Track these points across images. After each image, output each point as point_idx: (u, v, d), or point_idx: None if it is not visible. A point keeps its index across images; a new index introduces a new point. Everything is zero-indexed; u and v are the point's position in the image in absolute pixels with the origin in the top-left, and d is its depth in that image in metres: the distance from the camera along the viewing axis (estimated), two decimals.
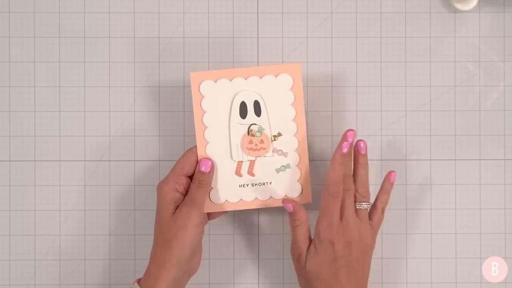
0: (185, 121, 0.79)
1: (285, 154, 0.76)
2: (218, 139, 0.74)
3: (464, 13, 0.80)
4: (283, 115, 0.74)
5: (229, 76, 0.74)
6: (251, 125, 0.75)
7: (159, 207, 0.71)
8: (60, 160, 0.79)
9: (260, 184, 0.75)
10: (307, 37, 0.80)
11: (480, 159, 0.80)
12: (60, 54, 0.80)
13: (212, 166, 0.72)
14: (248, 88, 0.75)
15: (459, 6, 0.78)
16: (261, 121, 0.74)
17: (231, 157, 0.75)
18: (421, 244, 0.79)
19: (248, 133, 0.75)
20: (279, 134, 0.75)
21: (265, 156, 0.75)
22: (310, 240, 0.72)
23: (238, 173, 0.75)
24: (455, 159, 0.80)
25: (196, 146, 0.73)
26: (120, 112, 0.79)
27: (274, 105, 0.74)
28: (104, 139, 0.80)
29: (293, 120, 0.74)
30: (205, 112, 0.74)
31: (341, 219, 0.70)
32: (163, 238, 0.69)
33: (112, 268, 0.79)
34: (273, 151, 0.75)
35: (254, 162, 0.75)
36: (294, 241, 0.72)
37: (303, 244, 0.71)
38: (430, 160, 0.80)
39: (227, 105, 0.75)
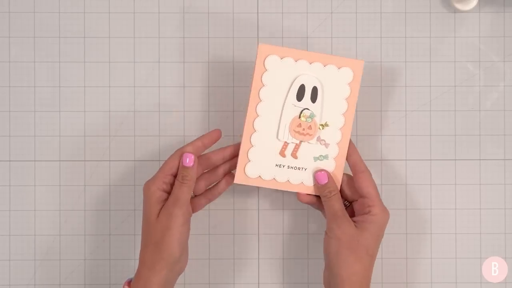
0: (185, 121, 0.79)
1: (326, 145, 0.75)
2: (269, 115, 0.74)
3: (464, 13, 0.80)
4: (335, 107, 0.74)
5: (296, 57, 0.74)
6: (304, 109, 0.75)
7: (145, 208, 0.70)
8: (60, 160, 0.79)
9: (296, 168, 0.75)
10: (307, 37, 0.80)
11: (480, 159, 0.80)
12: (60, 54, 0.80)
13: (195, 161, 0.71)
14: (310, 73, 0.75)
15: (459, 6, 0.78)
16: (314, 107, 0.75)
17: (277, 136, 0.75)
18: (421, 244, 0.79)
19: (300, 117, 0.75)
20: (327, 125, 0.75)
21: (309, 143, 0.75)
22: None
23: (282, 153, 0.75)
24: (455, 159, 0.80)
25: (185, 146, 0.72)
26: (120, 112, 0.79)
27: (330, 95, 0.74)
28: (104, 139, 0.80)
29: (343, 114, 0.75)
30: (263, 85, 0.74)
31: None
32: (150, 240, 0.69)
33: (112, 268, 0.79)
34: (317, 139, 0.75)
35: (300, 145, 0.75)
36: (334, 209, 0.71)
37: (344, 210, 0.71)
38: (430, 160, 0.80)
39: (287, 84, 0.74)
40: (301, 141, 0.75)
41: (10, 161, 0.79)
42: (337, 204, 0.71)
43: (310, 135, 0.75)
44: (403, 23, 0.80)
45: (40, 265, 0.79)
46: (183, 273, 0.79)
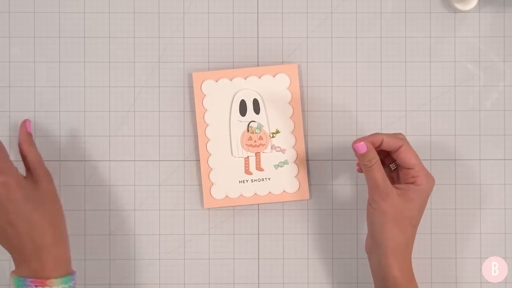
0: (185, 121, 0.79)
1: (283, 151, 0.78)
2: (219, 136, 0.77)
3: (464, 13, 0.80)
4: (281, 113, 0.77)
5: (230, 76, 0.77)
6: (250, 122, 0.77)
7: None
8: (60, 160, 0.79)
9: (259, 180, 0.78)
10: (307, 37, 0.80)
11: (480, 159, 0.80)
12: (60, 54, 0.80)
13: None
14: (248, 87, 0.77)
15: (459, 6, 0.78)
16: (260, 118, 0.78)
17: (232, 153, 0.77)
18: (421, 244, 0.79)
19: (248, 130, 0.78)
20: (277, 132, 0.78)
21: (264, 152, 0.77)
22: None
23: (247, 171, 0.78)
24: (455, 159, 0.80)
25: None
26: (120, 112, 0.79)
27: (272, 103, 0.77)
28: (104, 139, 0.80)
29: (290, 117, 0.78)
30: (206, 110, 0.77)
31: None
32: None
33: (112, 268, 0.79)
34: (271, 148, 0.78)
35: (260, 157, 0.77)
36: (376, 180, 0.69)
37: (385, 180, 0.69)
38: (430, 160, 0.80)
39: (227, 104, 0.78)
40: (259, 153, 0.77)
41: None
42: (379, 174, 0.69)
43: (263, 145, 0.78)
44: (403, 23, 0.80)
45: None
46: (183, 273, 0.79)
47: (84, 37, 0.80)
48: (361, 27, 0.80)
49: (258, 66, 0.79)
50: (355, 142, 0.70)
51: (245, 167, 0.78)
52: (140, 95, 0.80)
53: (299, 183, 0.78)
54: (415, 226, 0.71)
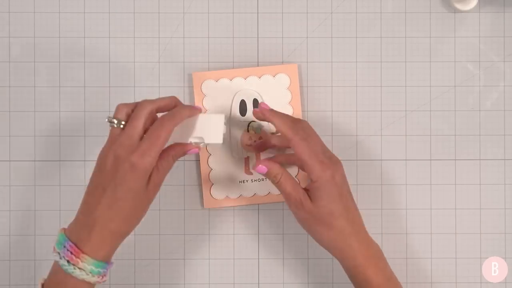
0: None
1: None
2: None
3: (464, 13, 0.80)
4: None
5: (230, 76, 0.77)
6: (250, 122, 0.77)
7: (132, 179, 0.65)
8: (60, 160, 0.79)
9: (259, 180, 0.78)
10: (307, 37, 0.80)
11: (480, 159, 0.80)
12: (60, 54, 0.80)
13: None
14: (248, 87, 0.77)
15: (459, 6, 0.78)
16: None
17: (231, 154, 0.77)
18: (421, 244, 0.79)
19: (248, 130, 0.77)
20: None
21: (264, 152, 0.77)
22: (300, 186, 0.69)
23: (247, 171, 0.78)
24: (455, 159, 0.80)
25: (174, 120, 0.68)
26: None
27: (273, 103, 0.77)
28: (104, 139, 0.79)
29: None
30: (206, 110, 0.77)
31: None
32: (125, 209, 0.66)
33: (112, 268, 0.79)
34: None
35: (260, 157, 0.77)
36: (287, 193, 0.69)
37: (296, 189, 0.68)
38: (430, 160, 0.80)
39: (227, 103, 0.77)
40: (259, 153, 0.77)
41: (10, 161, 0.79)
42: (288, 186, 0.69)
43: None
44: (403, 23, 0.80)
45: (40, 265, 0.79)
46: (183, 272, 0.79)
47: (84, 37, 0.80)
48: (361, 27, 0.80)
49: (258, 66, 0.79)
50: (254, 167, 0.70)
51: (245, 167, 0.78)
52: (140, 95, 0.80)
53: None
54: (340, 216, 0.68)
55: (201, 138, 0.69)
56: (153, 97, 0.79)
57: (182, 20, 0.80)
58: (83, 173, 0.79)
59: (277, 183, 0.69)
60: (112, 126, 0.67)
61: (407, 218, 0.80)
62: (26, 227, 0.79)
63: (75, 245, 0.64)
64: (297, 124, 0.69)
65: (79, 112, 0.79)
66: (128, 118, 0.67)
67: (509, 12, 0.80)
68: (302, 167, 0.72)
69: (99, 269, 0.65)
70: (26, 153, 0.79)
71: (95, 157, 0.80)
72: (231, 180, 0.78)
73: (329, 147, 0.80)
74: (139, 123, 0.65)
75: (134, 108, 0.67)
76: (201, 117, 0.69)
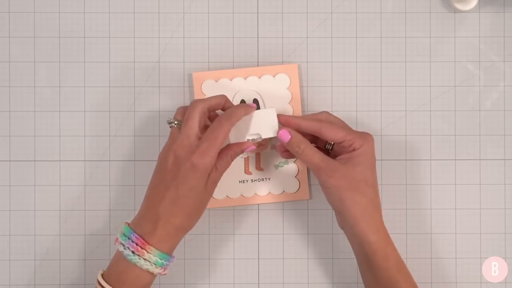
0: None
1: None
2: None
3: (464, 13, 0.80)
4: (281, 113, 0.75)
5: (230, 76, 0.77)
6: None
7: (193, 178, 0.68)
8: (60, 160, 0.79)
9: (259, 180, 0.78)
10: (307, 37, 0.80)
11: (480, 159, 0.80)
12: (60, 54, 0.80)
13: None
14: (248, 87, 0.77)
15: (459, 6, 0.78)
16: None
17: None
18: (421, 244, 0.79)
19: None
20: None
21: (264, 152, 0.77)
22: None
23: (247, 171, 0.78)
24: (455, 159, 0.80)
25: (230, 120, 0.70)
26: (120, 112, 0.79)
27: (273, 103, 0.77)
28: (104, 139, 0.80)
29: None
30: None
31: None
32: (188, 206, 0.69)
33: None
34: (271, 148, 0.78)
35: (260, 156, 0.77)
36: (314, 162, 0.69)
37: (324, 157, 0.69)
38: (430, 160, 0.80)
39: None
40: (259, 153, 0.77)
41: (10, 161, 0.79)
42: (315, 156, 0.70)
43: (263, 145, 0.78)
44: (403, 23, 0.80)
45: (40, 265, 0.79)
46: (183, 272, 0.79)
47: (84, 37, 0.80)
48: (361, 27, 0.80)
49: (258, 66, 0.79)
50: (279, 133, 0.70)
51: (245, 167, 0.78)
52: (140, 95, 0.80)
53: (299, 183, 0.78)
54: (372, 185, 0.70)
55: (258, 134, 0.71)
56: (153, 97, 0.79)
57: (182, 20, 0.80)
58: (83, 173, 0.79)
59: (301, 154, 0.70)
60: (172, 127, 0.71)
61: (407, 218, 0.80)
62: (26, 227, 0.79)
63: (141, 237, 0.67)
64: (317, 115, 0.73)
65: (79, 112, 0.79)
66: None
67: (509, 12, 0.80)
68: (337, 144, 0.71)
69: (163, 261, 0.68)
70: (26, 153, 0.79)
71: (95, 157, 0.80)
72: (231, 180, 0.78)
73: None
74: (194, 122, 0.68)
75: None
76: (254, 114, 0.71)
